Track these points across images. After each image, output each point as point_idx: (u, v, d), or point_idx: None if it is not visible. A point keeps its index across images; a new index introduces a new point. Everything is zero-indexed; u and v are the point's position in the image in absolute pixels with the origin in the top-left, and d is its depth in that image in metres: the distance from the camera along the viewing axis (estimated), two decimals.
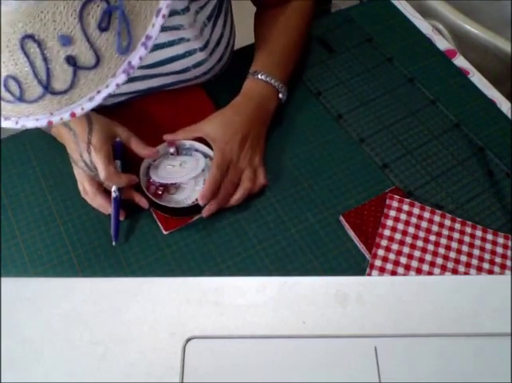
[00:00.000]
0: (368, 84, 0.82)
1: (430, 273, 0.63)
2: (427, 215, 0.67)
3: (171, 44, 0.70)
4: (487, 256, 0.65)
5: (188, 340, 0.39)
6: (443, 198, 0.70)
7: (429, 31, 0.89)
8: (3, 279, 0.42)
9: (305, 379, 0.38)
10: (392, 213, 0.67)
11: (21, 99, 0.50)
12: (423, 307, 0.41)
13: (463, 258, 0.64)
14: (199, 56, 0.73)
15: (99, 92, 0.52)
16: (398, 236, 0.66)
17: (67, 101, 0.51)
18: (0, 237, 0.67)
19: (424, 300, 0.41)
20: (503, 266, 0.64)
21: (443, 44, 0.88)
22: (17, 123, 0.53)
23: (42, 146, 0.75)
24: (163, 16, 0.52)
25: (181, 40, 0.70)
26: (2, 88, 0.49)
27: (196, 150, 0.71)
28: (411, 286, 0.42)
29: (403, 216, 0.67)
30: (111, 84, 0.52)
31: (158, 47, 0.69)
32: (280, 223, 0.68)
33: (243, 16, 0.90)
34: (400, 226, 0.66)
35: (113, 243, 0.65)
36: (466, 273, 0.63)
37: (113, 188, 0.65)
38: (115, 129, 0.68)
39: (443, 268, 0.64)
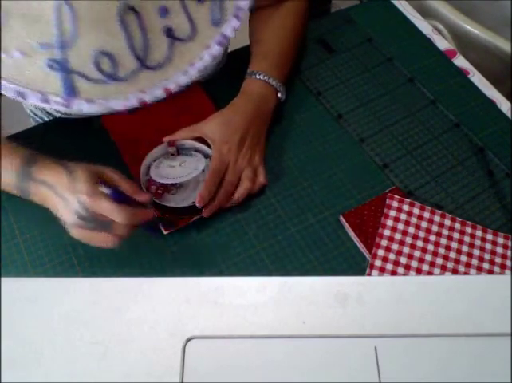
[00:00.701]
0: (368, 84, 0.82)
1: (430, 273, 0.63)
2: (427, 215, 0.67)
3: None
4: (487, 256, 0.65)
5: (188, 340, 0.39)
6: (443, 198, 0.70)
7: (429, 31, 0.89)
8: (3, 279, 0.42)
9: (305, 379, 0.38)
10: (392, 213, 0.67)
11: (112, 76, 0.47)
12: (423, 307, 0.41)
13: (463, 258, 0.64)
14: None
15: (192, 64, 0.50)
16: (398, 236, 0.66)
17: (161, 77, 0.49)
18: (0, 237, 0.67)
19: (424, 300, 0.41)
20: (503, 266, 0.64)
21: (443, 44, 0.88)
22: (103, 105, 0.49)
23: (42, 146, 0.75)
24: None
25: None
26: (92, 66, 0.46)
27: (196, 150, 0.71)
28: (411, 286, 0.42)
29: (403, 216, 0.67)
30: (205, 56, 0.50)
31: None
32: (280, 223, 0.68)
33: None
34: (400, 226, 0.66)
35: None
36: (466, 273, 0.63)
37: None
38: (99, 170, 0.59)
39: (443, 268, 0.64)
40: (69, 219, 0.56)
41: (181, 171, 0.68)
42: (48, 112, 0.86)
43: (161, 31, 0.48)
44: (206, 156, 0.70)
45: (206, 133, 0.68)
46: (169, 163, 0.70)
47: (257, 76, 0.72)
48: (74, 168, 0.57)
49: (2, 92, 0.46)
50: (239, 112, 0.70)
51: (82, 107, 0.49)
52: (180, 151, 0.71)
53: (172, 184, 0.68)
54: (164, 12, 0.47)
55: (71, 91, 0.48)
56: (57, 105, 0.49)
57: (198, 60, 0.51)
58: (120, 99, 0.50)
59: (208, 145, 0.69)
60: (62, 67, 0.47)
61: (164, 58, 0.49)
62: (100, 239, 0.58)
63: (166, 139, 0.69)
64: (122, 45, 0.46)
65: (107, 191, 0.55)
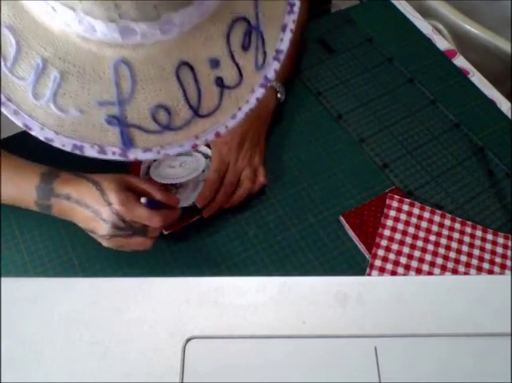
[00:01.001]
0: (368, 84, 0.82)
1: (430, 273, 0.63)
2: (427, 215, 0.67)
3: None
4: (487, 256, 0.65)
5: (188, 340, 0.39)
6: (443, 198, 0.70)
7: (429, 31, 0.89)
8: (3, 279, 0.42)
9: (305, 379, 0.38)
10: (392, 213, 0.67)
11: (168, 127, 0.50)
12: (423, 307, 0.41)
13: (463, 258, 0.64)
14: None
15: (240, 108, 0.52)
16: (398, 236, 0.66)
17: (212, 123, 0.52)
18: (0, 237, 0.67)
19: (424, 300, 0.41)
20: (503, 266, 0.64)
21: (443, 44, 0.88)
22: (159, 152, 0.52)
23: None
24: (291, 31, 0.53)
25: None
26: (149, 119, 0.49)
27: (196, 150, 0.71)
28: (411, 286, 0.42)
29: (403, 216, 0.67)
30: (250, 99, 0.53)
31: None
32: (280, 223, 0.68)
33: None
34: (400, 226, 0.66)
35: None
36: (466, 273, 0.63)
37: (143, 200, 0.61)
38: (124, 179, 0.61)
39: (443, 268, 0.64)
40: (104, 230, 0.57)
41: (181, 171, 0.68)
42: None
43: (212, 81, 0.50)
44: (207, 157, 0.70)
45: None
46: (169, 163, 0.70)
47: None
48: (98, 179, 0.58)
49: (60, 147, 0.48)
50: None
51: (138, 155, 0.52)
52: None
53: (172, 185, 0.68)
54: (215, 64, 0.49)
55: (128, 143, 0.51)
56: (114, 156, 0.52)
57: (244, 103, 0.54)
58: (175, 146, 0.52)
59: (208, 146, 0.69)
60: (120, 122, 0.49)
61: (215, 106, 0.52)
62: (137, 244, 0.59)
63: None
64: (177, 98, 0.49)
65: (143, 200, 0.58)
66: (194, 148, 0.52)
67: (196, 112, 0.50)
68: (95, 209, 0.57)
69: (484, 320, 0.40)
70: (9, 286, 0.42)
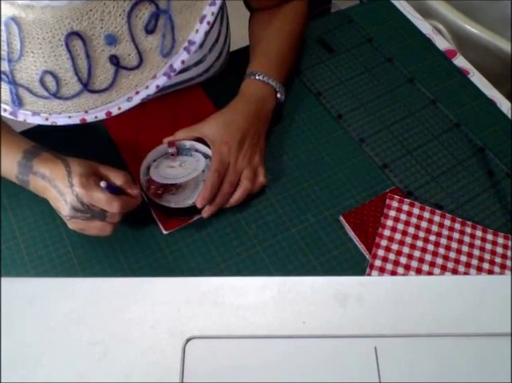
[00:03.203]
0: (368, 84, 0.82)
1: (430, 273, 0.63)
2: (426, 215, 0.67)
3: None
4: (487, 256, 0.65)
5: (188, 340, 0.39)
6: (443, 198, 0.70)
7: (429, 31, 0.89)
8: (3, 279, 0.42)
9: (305, 379, 0.38)
10: (392, 213, 0.67)
11: (56, 95, 0.49)
12: (423, 307, 0.41)
13: (463, 258, 0.64)
14: (199, 54, 0.73)
15: (137, 92, 0.52)
16: (398, 236, 0.66)
17: (103, 100, 0.51)
18: (0, 237, 0.67)
19: (424, 300, 0.41)
20: (503, 266, 0.64)
21: (443, 44, 0.88)
22: (47, 119, 0.52)
23: (42, 145, 0.75)
24: (208, 23, 0.52)
25: None
26: (37, 83, 0.49)
27: (196, 150, 0.71)
28: (411, 286, 0.42)
29: (403, 216, 0.67)
30: (151, 85, 0.52)
31: None
32: (280, 223, 0.68)
33: (241, 17, 0.90)
34: (400, 226, 0.66)
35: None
36: (466, 273, 0.63)
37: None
38: (93, 165, 0.63)
39: (443, 268, 0.64)
40: (65, 210, 0.59)
41: (181, 171, 0.68)
42: None
43: (106, 58, 0.49)
44: (206, 157, 0.70)
45: (206, 134, 0.68)
46: (169, 163, 0.70)
47: (257, 77, 0.72)
48: (71, 162, 0.60)
49: None
50: (239, 113, 0.70)
51: (27, 118, 0.52)
52: (180, 151, 0.71)
53: (172, 185, 0.68)
54: (111, 40, 0.48)
55: (18, 102, 0.51)
56: (5, 113, 0.53)
57: (143, 88, 0.53)
58: (63, 116, 0.52)
59: (208, 146, 0.69)
60: (10, 79, 0.49)
61: (108, 84, 0.51)
62: (96, 228, 0.61)
63: (166, 139, 0.69)
64: (66, 68, 0.49)
65: (102, 184, 0.59)
66: (83, 122, 0.52)
67: (86, 86, 0.49)
68: (60, 189, 0.59)
69: (484, 320, 0.40)
70: (9, 286, 0.42)
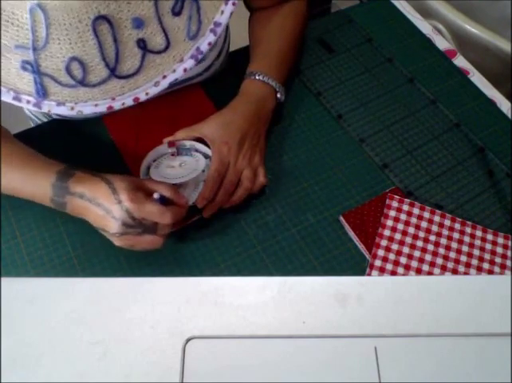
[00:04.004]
0: (368, 84, 0.82)
1: (430, 273, 0.63)
2: (426, 215, 0.67)
3: None
4: (487, 256, 0.65)
5: (188, 340, 0.39)
6: (443, 198, 0.70)
7: (429, 31, 0.89)
8: (3, 279, 0.42)
9: (305, 379, 0.38)
10: (392, 213, 0.67)
11: (82, 82, 0.48)
12: (423, 307, 0.41)
13: (463, 258, 0.64)
14: None
15: (165, 77, 0.50)
16: (398, 236, 0.66)
17: (130, 86, 0.50)
18: (0, 237, 0.67)
19: (424, 300, 0.41)
20: (503, 266, 0.64)
21: (443, 44, 0.88)
22: (72, 109, 0.50)
23: (42, 145, 0.75)
24: (233, 4, 0.51)
25: None
26: (63, 71, 0.47)
27: (196, 150, 0.71)
28: (411, 286, 0.42)
29: (403, 216, 0.67)
30: (178, 69, 0.51)
31: None
32: (280, 223, 0.68)
33: (241, 17, 0.90)
34: (400, 226, 0.66)
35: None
36: (466, 273, 0.63)
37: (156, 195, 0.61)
38: (135, 180, 0.61)
39: (443, 268, 0.64)
40: (115, 228, 0.56)
41: (181, 171, 0.68)
42: (50, 115, 0.86)
43: (134, 42, 0.48)
44: (206, 157, 0.70)
45: (206, 134, 0.68)
46: (169, 163, 0.70)
47: (257, 77, 0.72)
48: (111, 179, 0.58)
49: None
50: (239, 113, 0.70)
51: (52, 108, 0.51)
52: (180, 151, 0.71)
53: (172, 185, 0.68)
54: (138, 23, 0.47)
55: (42, 92, 0.50)
56: (28, 105, 0.51)
57: (170, 72, 0.52)
58: (90, 104, 0.51)
59: (208, 146, 0.69)
60: (34, 69, 0.48)
61: (135, 69, 0.50)
62: (147, 242, 0.59)
63: (166, 139, 0.69)
64: (93, 53, 0.48)
65: (156, 195, 0.58)
66: (110, 109, 0.50)
67: (113, 72, 0.48)
68: (106, 207, 0.56)
69: (484, 320, 0.40)
70: (9, 286, 0.42)
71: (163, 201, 0.60)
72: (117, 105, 0.51)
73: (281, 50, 0.76)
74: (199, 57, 0.52)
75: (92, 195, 0.57)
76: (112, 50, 0.48)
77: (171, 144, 0.69)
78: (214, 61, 0.77)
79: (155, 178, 0.67)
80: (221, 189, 0.66)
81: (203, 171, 0.68)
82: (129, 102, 0.51)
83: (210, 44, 0.51)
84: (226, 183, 0.66)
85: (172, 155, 0.70)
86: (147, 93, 0.52)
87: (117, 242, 0.59)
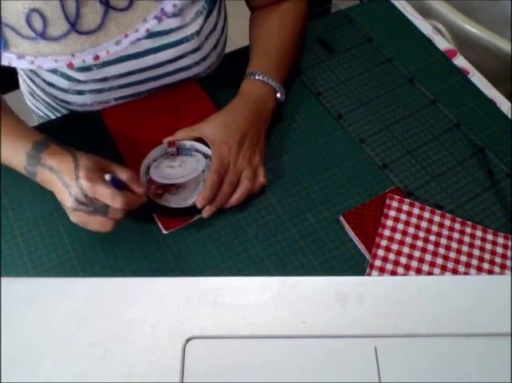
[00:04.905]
0: (368, 84, 0.82)
1: (430, 273, 0.63)
2: (427, 215, 0.67)
3: (168, 32, 0.70)
4: (487, 256, 0.65)
5: (188, 340, 0.39)
6: (443, 198, 0.70)
7: (429, 31, 0.89)
8: (3, 279, 0.42)
9: (305, 379, 0.38)
10: (392, 213, 0.67)
11: (43, 35, 0.48)
12: (423, 307, 0.41)
13: (463, 258, 0.64)
14: (196, 41, 0.73)
15: (126, 36, 0.50)
16: (398, 236, 0.66)
17: (91, 43, 0.50)
18: (0, 237, 0.67)
19: (424, 300, 0.41)
20: (503, 266, 0.64)
21: (443, 44, 0.88)
22: (32, 63, 0.51)
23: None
24: None
25: (178, 28, 0.70)
26: (23, 23, 0.47)
27: (196, 150, 0.71)
28: (411, 286, 0.42)
29: (403, 216, 0.67)
30: (140, 28, 0.51)
31: (155, 35, 0.69)
32: (280, 223, 0.68)
33: (241, 17, 0.90)
34: (400, 226, 0.66)
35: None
36: (466, 273, 0.63)
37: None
38: (102, 161, 0.63)
39: (443, 268, 0.64)
40: (69, 203, 0.59)
41: (181, 171, 0.68)
42: (52, 106, 0.86)
43: None
44: (206, 157, 0.70)
45: (206, 134, 0.68)
46: (169, 163, 0.70)
47: (256, 77, 0.72)
48: (79, 156, 0.60)
49: None
50: (239, 113, 0.70)
51: (12, 61, 0.51)
52: (180, 151, 0.71)
53: (172, 185, 0.68)
54: None
55: (3, 44, 0.50)
56: None
57: (132, 32, 0.52)
58: (50, 59, 0.51)
59: (208, 146, 0.69)
60: None
61: (97, 25, 0.50)
62: (97, 223, 0.61)
63: (166, 139, 0.69)
64: (54, 6, 0.48)
65: (107, 177, 0.59)
66: (70, 67, 0.50)
67: (73, 26, 0.48)
68: (65, 181, 0.59)
69: (484, 320, 0.40)
70: (9, 286, 0.42)
71: (120, 186, 0.61)
72: (77, 62, 0.51)
73: (280, 50, 0.76)
74: (163, 18, 0.51)
75: (59, 169, 0.60)
76: (73, 4, 0.48)
77: (171, 144, 0.69)
78: (211, 52, 0.77)
79: (155, 178, 0.67)
80: (221, 189, 0.66)
81: (203, 171, 0.68)
82: (89, 60, 0.51)
83: (174, 5, 0.51)
84: (225, 184, 0.66)
85: (172, 155, 0.70)
86: (107, 52, 0.52)
87: (71, 217, 0.61)
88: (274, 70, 0.74)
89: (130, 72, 0.73)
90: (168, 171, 0.68)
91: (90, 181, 0.57)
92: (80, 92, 0.72)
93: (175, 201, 0.67)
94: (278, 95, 0.74)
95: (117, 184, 0.60)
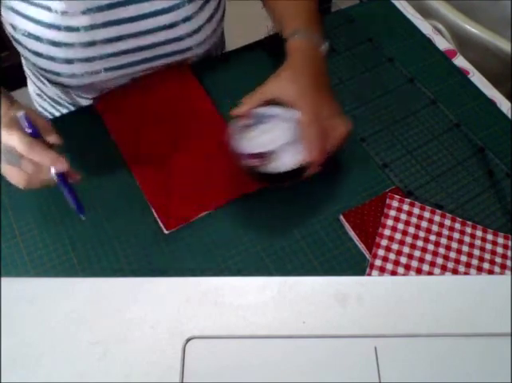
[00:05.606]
0: (368, 84, 0.82)
1: (430, 273, 0.63)
2: (427, 214, 0.67)
3: None
4: (487, 256, 0.65)
5: (188, 340, 0.39)
6: (443, 198, 0.70)
7: (429, 31, 0.89)
8: (3, 279, 0.42)
9: (305, 379, 0.38)
10: (392, 213, 0.67)
11: None
12: (423, 307, 0.41)
13: (463, 258, 0.64)
14: (188, 9, 0.73)
15: None
16: (398, 236, 0.66)
17: None
18: (0, 237, 0.67)
19: (424, 300, 0.41)
20: (503, 266, 0.64)
21: (443, 44, 0.88)
22: None
23: None
24: None
25: None
26: None
27: (273, 114, 0.68)
28: (411, 286, 0.43)
29: (403, 216, 0.67)
30: None
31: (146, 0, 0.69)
32: (280, 223, 0.68)
33: (241, 17, 0.90)
34: (400, 226, 0.66)
35: (82, 218, 0.60)
36: (466, 273, 0.63)
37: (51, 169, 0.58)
38: (34, 111, 0.60)
39: (443, 268, 0.64)
40: None
41: (267, 138, 0.66)
42: (56, 102, 0.86)
43: None
44: (282, 118, 0.67)
45: (279, 94, 0.66)
46: (253, 133, 0.67)
47: (297, 36, 0.71)
48: (14, 105, 0.59)
49: None
50: (299, 68, 0.69)
51: None
52: (258, 119, 0.68)
53: (264, 153, 0.66)
54: None
55: None
56: None
57: None
58: None
59: (286, 107, 0.67)
60: None
61: None
62: (11, 176, 0.58)
63: (238, 112, 0.67)
64: None
65: (18, 113, 0.56)
66: None
67: None
68: None
69: (484, 320, 0.40)
70: (9, 286, 0.42)
71: (36, 134, 0.57)
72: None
73: (306, 8, 0.76)
74: None
75: None
76: None
77: (247, 116, 0.67)
78: (205, 24, 0.77)
79: (247, 150, 0.65)
80: (318, 143, 0.64)
81: (288, 131, 0.66)
82: None
83: None
84: (320, 136, 0.64)
85: (250, 126, 0.68)
86: None
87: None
88: (310, 27, 0.73)
89: (119, 37, 0.72)
90: (255, 141, 0.66)
91: (6, 126, 0.55)
92: (69, 61, 0.72)
93: (273, 167, 0.65)
94: (323, 47, 0.73)
95: (33, 132, 0.57)
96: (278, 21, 0.77)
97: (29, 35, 0.70)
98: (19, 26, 0.70)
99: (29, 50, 0.73)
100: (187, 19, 0.74)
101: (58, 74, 0.75)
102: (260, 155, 0.66)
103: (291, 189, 0.71)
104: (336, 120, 0.67)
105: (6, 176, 0.59)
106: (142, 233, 0.67)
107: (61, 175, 0.57)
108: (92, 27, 0.69)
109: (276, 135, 0.66)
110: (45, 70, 0.76)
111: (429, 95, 0.81)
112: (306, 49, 0.71)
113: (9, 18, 0.71)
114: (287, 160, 0.65)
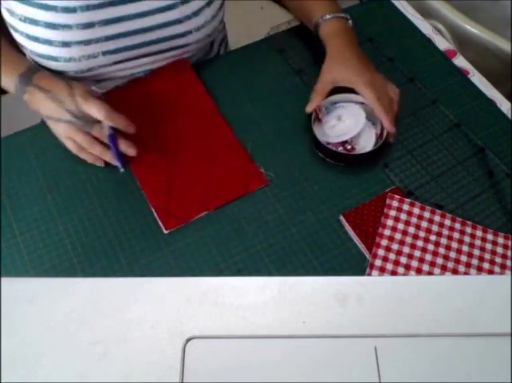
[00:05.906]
0: None
1: (430, 273, 0.63)
2: (427, 214, 0.67)
3: None
4: (487, 256, 0.65)
5: (188, 340, 0.39)
6: (443, 198, 0.70)
7: (429, 31, 0.89)
8: (3, 279, 0.42)
9: (305, 379, 0.38)
10: (392, 213, 0.67)
11: None
12: (423, 307, 0.41)
13: (463, 258, 0.64)
14: None
15: None
16: (398, 236, 0.66)
17: None
18: (0, 237, 0.67)
19: (424, 300, 0.41)
20: (503, 266, 0.64)
21: (443, 44, 0.88)
22: None
23: (42, 146, 0.75)
24: None
25: None
26: None
27: (338, 102, 0.75)
28: (411, 286, 0.42)
29: (403, 216, 0.67)
30: None
31: None
32: (280, 223, 0.68)
33: (241, 17, 0.90)
34: (400, 226, 0.66)
35: (121, 170, 0.71)
36: (466, 273, 0.63)
37: (107, 128, 0.69)
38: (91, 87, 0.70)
39: (443, 268, 0.64)
40: (64, 116, 0.67)
41: (347, 123, 0.73)
42: None
43: None
44: (352, 101, 0.74)
45: (341, 79, 0.73)
46: (329, 124, 0.74)
47: (327, 17, 0.78)
48: (72, 82, 0.68)
49: None
50: (342, 49, 0.75)
51: None
52: (328, 110, 0.75)
53: (351, 139, 0.73)
54: None
55: None
56: None
57: None
58: None
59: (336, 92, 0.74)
60: None
61: None
62: (99, 150, 0.70)
63: (309, 108, 0.73)
64: None
65: (94, 87, 0.69)
66: None
67: None
68: (61, 99, 0.67)
69: (484, 320, 0.40)
70: (9, 286, 0.41)
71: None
72: None
73: None
74: None
75: (52, 88, 0.68)
76: None
77: (318, 109, 0.73)
78: (204, 7, 0.76)
79: (329, 141, 0.73)
80: (392, 114, 0.72)
81: (360, 114, 0.73)
82: None
83: None
84: (389, 105, 0.72)
85: (321, 118, 0.74)
86: None
87: (56, 130, 0.71)
88: (335, 7, 0.80)
89: (116, 19, 0.72)
90: (334, 130, 0.73)
91: (83, 97, 0.66)
92: (66, 44, 0.72)
93: (361, 148, 0.73)
94: (350, 22, 0.79)
95: (114, 137, 0.69)
96: (302, 11, 0.83)
97: (26, 19, 0.70)
98: (16, 11, 0.71)
99: (27, 35, 0.73)
100: (185, 1, 0.74)
101: (56, 59, 0.75)
102: (347, 142, 0.73)
103: (291, 189, 0.71)
104: (387, 82, 0.75)
105: (69, 137, 0.70)
106: (142, 233, 0.68)
107: (113, 135, 0.69)
108: (88, 7, 0.70)
109: (352, 119, 0.73)
110: (42, 57, 0.76)
111: (429, 95, 0.81)
112: (338, 29, 0.78)
113: (6, 3, 0.71)
114: (369, 139, 0.73)
